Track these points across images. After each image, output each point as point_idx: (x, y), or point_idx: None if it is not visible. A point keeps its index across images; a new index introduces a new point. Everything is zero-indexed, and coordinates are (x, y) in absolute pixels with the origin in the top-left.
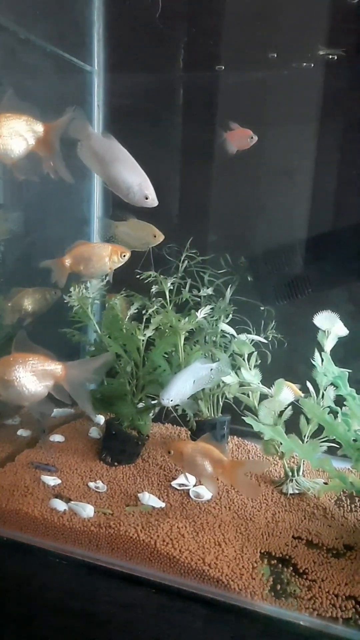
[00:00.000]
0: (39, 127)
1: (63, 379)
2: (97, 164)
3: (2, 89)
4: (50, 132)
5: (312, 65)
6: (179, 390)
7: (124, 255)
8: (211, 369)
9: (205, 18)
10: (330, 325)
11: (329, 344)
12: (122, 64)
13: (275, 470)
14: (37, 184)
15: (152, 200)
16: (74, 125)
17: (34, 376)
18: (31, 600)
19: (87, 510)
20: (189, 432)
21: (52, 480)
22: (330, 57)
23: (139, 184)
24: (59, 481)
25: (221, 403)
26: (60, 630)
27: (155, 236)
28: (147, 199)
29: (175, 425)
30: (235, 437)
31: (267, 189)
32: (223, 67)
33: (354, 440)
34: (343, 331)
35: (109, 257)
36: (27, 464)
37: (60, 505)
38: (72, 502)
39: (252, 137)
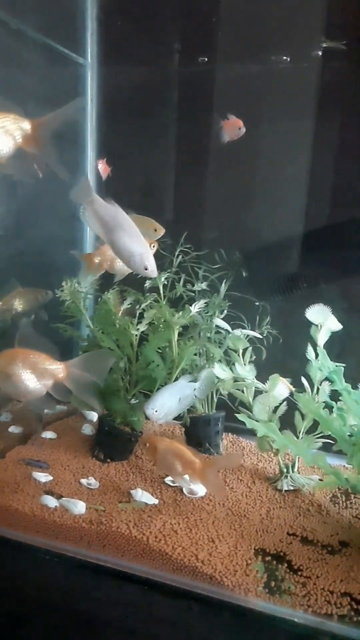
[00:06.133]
0: (26, 125)
1: (65, 379)
2: (100, 228)
3: None
4: (38, 128)
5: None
6: (164, 403)
7: (153, 247)
8: (194, 389)
9: (200, 9)
10: (323, 319)
11: (321, 338)
12: (115, 56)
13: (270, 467)
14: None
15: (152, 272)
16: (77, 190)
17: (33, 374)
18: (21, 598)
19: (79, 507)
20: (183, 429)
21: (43, 477)
22: (331, 47)
23: (140, 255)
24: (51, 478)
25: (215, 399)
26: (50, 628)
27: (155, 230)
28: (146, 269)
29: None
30: (229, 433)
31: (262, 184)
32: (216, 60)
33: (349, 435)
34: (336, 325)
35: None
36: (18, 460)
37: (51, 501)
38: (64, 498)
39: (240, 129)
